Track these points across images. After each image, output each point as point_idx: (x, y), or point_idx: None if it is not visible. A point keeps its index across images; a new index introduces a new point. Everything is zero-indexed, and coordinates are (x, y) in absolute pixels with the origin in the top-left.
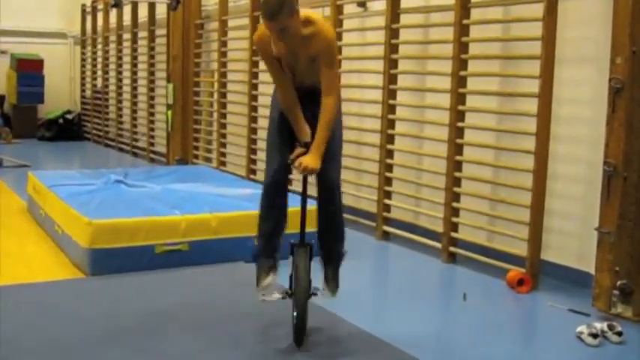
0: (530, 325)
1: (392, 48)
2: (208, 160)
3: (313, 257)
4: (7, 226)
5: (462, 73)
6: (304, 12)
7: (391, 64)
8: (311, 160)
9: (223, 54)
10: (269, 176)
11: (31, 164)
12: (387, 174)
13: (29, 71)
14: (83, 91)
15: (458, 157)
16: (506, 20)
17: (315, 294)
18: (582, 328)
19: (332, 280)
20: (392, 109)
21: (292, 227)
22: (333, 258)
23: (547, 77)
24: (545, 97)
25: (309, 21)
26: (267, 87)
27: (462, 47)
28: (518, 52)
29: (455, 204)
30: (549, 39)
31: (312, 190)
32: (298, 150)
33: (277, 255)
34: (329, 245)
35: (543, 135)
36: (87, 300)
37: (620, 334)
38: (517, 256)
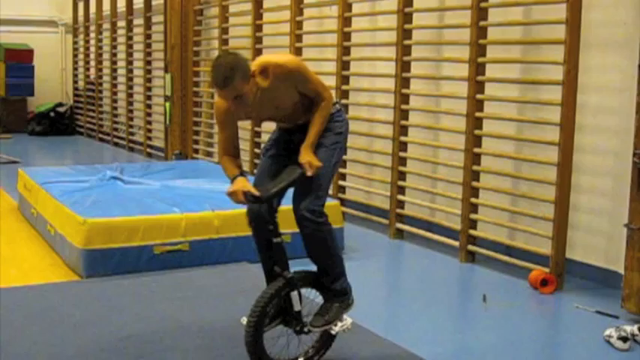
0: (555, 328)
1: (405, 33)
2: (209, 154)
3: (296, 288)
4: None
5: (481, 59)
6: (258, 64)
7: (404, 50)
8: (306, 155)
9: (224, 41)
10: (249, 215)
11: (21, 160)
12: (401, 168)
13: (18, 62)
14: (76, 82)
15: (476, 150)
16: (527, 2)
17: (278, 323)
18: (611, 331)
19: (319, 313)
20: (405, 98)
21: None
22: (325, 291)
23: (572, 63)
24: (570, 84)
25: (263, 70)
26: None
27: (480, 32)
28: (540, 37)
29: (473, 199)
30: (574, 22)
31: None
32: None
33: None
34: (322, 278)
35: (568, 125)
36: (81, 304)
37: None
38: (541, 254)
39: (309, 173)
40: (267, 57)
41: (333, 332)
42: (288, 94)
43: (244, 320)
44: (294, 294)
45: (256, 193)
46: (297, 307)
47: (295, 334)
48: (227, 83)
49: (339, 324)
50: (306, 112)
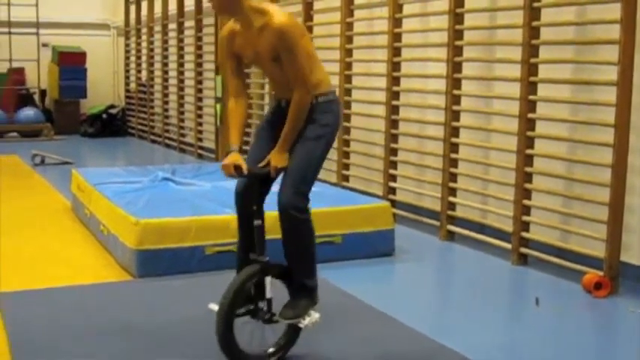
0: (609, 332)
1: (456, 34)
2: None
3: (269, 275)
4: (51, 227)
5: (533, 60)
6: (261, 3)
7: (455, 51)
8: (273, 156)
9: None
10: (235, 196)
11: (74, 161)
12: (452, 169)
13: (71, 65)
14: (127, 84)
15: (529, 151)
16: (580, 2)
17: (245, 313)
18: None
19: (288, 306)
20: (456, 99)
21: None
22: (293, 285)
23: (626, 63)
24: (625, 85)
25: (262, 11)
26: None
27: (532, 32)
28: (594, 37)
29: (526, 201)
30: (628, 22)
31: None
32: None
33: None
34: (293, 273)
35: (622, 126)
36: (133, 303)
37: None
38: (594, 257)
39: (272, 175)
40: (273, 7)
41: (301, 326)
42: (269, 49)
43: (214, 307)
44: (268, 280)
45: (244, 170)
46: (268, 294)
47: (263, 324)
48: None
49: (307, 318)
50: (290, 85)
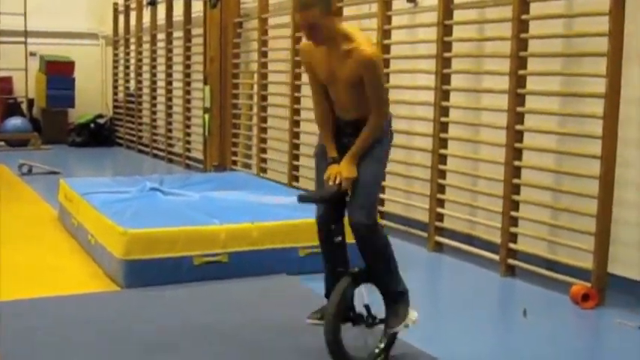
0: (597, 344)
1: (444, 46)
2: (247, 166)
3: (361, 283)
4: (38, 237)
5: (521, 72)
6: (348, 28)
7: (444, 63)
8: (343, 167)
9: (263, 54)
10: (317, 219)
11: (61, 171)
12: (440, 181)
13: (59, 74)
14: (115, 94)
15: (517, 163)
16: (568, 15)
17: (354, 321)
18: None
19: (391, 316)
20: (445, 111)
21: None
22: (385, 294)
23: (614, 76)
24: (613, 97)
25: (349, 37)
26: (310, 89)
27: (520, 44)
28: (582, 49)
29: (514, 213)
30: (617, 34)
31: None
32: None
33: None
34: (377, 282)
35: (610, 138)
36: (121, 314)
37: None
38: (582, 269)
39: (343, 186)
40: (358, 33)
41: (405, 327)
42: (351, 75)
43: (311, 321)
44: (362, 288)
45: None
46: (366, 300)
47: (367, 328)
48: (307, 6)
49: (409, 319)
50: (357, 108)
